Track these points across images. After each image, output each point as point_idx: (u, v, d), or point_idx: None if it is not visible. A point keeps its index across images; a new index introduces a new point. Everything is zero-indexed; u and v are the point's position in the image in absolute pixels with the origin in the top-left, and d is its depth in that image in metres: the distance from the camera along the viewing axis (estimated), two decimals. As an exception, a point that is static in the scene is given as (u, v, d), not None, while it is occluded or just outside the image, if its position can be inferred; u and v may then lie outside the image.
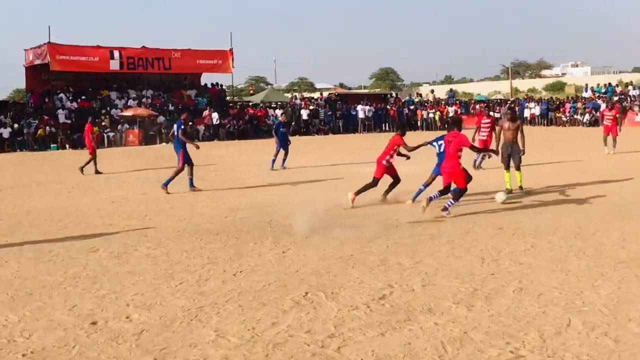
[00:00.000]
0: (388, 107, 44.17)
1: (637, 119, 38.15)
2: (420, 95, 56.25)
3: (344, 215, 11.69)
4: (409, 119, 43.08)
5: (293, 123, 38.48)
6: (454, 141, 11.54)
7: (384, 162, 13.09)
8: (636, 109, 39.43)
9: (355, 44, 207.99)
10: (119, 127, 37.69)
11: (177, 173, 15.37)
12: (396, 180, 13.21)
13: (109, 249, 9.33)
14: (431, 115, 42.67)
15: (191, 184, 15.48)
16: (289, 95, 61.43)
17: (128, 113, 38.35)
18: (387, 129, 42.72)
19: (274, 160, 20.45)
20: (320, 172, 18.88)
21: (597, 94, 44.98)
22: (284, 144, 20.47)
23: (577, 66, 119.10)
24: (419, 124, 42.48)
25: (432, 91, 55.60)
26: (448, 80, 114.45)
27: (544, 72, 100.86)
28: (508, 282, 7.12)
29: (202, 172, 15.99)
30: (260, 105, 46.79)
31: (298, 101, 46.80)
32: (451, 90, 56.00)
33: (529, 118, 42.77)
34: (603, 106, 37.52)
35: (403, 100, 49.19)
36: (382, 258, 8.40)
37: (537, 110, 42.95)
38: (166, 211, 12.74)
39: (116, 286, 7.37)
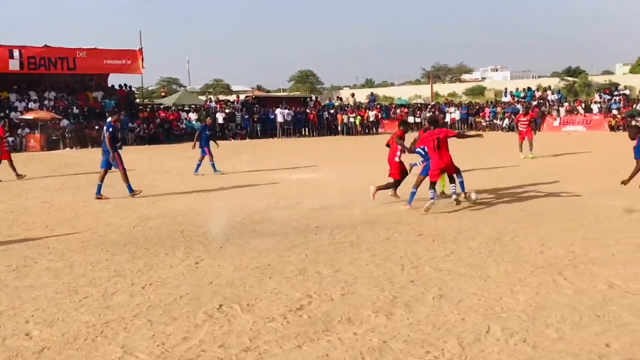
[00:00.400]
0: (308, 110, 44.37)
1: (555, 123, 39.69)
2: (341, 99, 56.82)
3: (261, 223, 11.65)
4: (329, 123, 43.44)
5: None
6: (441, 135, 12.55)
7: (396, 159, 13.79)
8: (554, 113, 41.06)
9: (273, 45, 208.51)
10: (19, 131, 36.31)
11: (126, 175, 15.19)
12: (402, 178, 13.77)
13: (7, 262, 8.97)
14: (352, 119, 43.14)
15: (98, 192, 15.15)
16: (203, 97, 60.81)
17: (29, 116, 36.96)
18: (306, 133, 42.94)
19: (198, 165, 20.37)
20: (236, 179, 18.77)
21: (516, 99, 46.60)
22: (208, 148, 20.45)
23: (496, 70, 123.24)
24: (339, 129, 42.85)
25: (353, 95, 56.24)
26: (369, 84, 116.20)
27: (464, 76, 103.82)
28: (428, 289, 7.26)
29: (108, 179, 15.58)
30: (173, 108, 46.13)
31: (213, 104, 46.41)
32: (372, 94, 56.77)
33: (449, 123, 43.85)
34: (522, 111, 38.95)
35: (323, 104, 49.55)
36: (300, 267, 8.42)
37: (457, 115, 44.14)
38: (69, 221, 12.36)
39: (15, 301, 7.09)
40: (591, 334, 5.80)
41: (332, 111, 44.90)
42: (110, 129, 15.03)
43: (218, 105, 45.07)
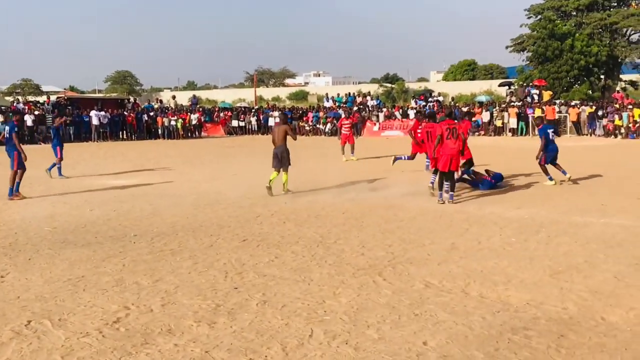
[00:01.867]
0: (126, 113, 42.97)
1: (375, 128, 41.39)
2: (161, 101, 55.64)
3: (74, 232, 11.10)
4: (149, 126, 42.36)
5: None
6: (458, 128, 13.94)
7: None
8: (374, 118, 42.79)
9: (87, 44, 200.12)
10: None
11: (15, 176, 15.39)
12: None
13: None
14: (173, 122, 42.37)
15: (11, 191, 15.24)
16: (10, 98, 56.98)
17: None
18: (124, 136, 41.59)
19: (59, 167, 19.90)
20: (47, 186, 17.74)
21: (338, 104, 48.09)
22: (61, 148, 20.09)
23: (319, 76, 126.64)
24: (160, 132, 41.91)
25: (174, 97, 55.24)
26: (191, 86, 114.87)
27: (288, 80, 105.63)
28: (252, 296, 7.28)
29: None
30: (-26, 109, 42.78)
31: (21, 105, 43.64)
32: (194, 96, 56.13)
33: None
34: (343, 116, 40.23)
35: (142, 106, 48.24)
36: (117, 278, 8.12)
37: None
38: None
39: None
40: (409, 332, 6.09)
41: (152, 114, 43.83)
42: (15, 129, 15.65)
43: (27, 107, 42.43)
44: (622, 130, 33.05)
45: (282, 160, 15.27)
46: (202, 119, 45.29)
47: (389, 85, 74.79)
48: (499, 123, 37.41)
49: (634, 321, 6.37)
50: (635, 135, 32.32)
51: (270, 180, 15.13)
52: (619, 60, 45.75)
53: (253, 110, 47.69)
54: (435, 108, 42.48)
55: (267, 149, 30.37)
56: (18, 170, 15.39)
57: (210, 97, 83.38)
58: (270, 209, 13.23)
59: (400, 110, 43.71)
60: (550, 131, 16.30)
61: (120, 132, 41.98)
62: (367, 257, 9.14)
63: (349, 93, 51.21)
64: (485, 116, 38.08)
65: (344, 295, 7.28)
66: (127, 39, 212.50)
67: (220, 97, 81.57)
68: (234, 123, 45.45)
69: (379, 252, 9.41)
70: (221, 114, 47.30)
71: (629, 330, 6.12)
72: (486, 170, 15.79)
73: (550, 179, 16.07)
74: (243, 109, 49.43)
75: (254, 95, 67.59)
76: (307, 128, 44.02)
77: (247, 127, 45.33)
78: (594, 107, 35.44)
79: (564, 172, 16.16)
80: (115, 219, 12.34)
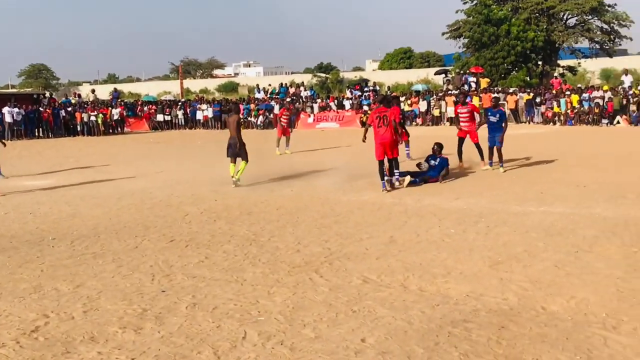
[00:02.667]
0: (41, 109, 41.89)
1: (309, 120, 41.46)
2: (80, 95, 54.45)
3: (-14, 237, 10.79)
4: (67, 123, 41.41)
5: None
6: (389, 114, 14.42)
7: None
8: (308, 110, 42.87)
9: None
10: None
11: None
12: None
13: None
14: (93, 118, 41.51)
15: None
16: None
17: None
18: (41, 134, 40.55)
19: None
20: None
21: (269, 95, 47.99)
22: None
23: (249, 66, 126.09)
24: (79, 128, 41.02)
25: (93, 91, 54.20)
26: (112, 79, 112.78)
27: (216, 71, 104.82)
28: (181, 298, 7.22)
29: None
30: None
31: None
32: (115, 90, 55.17)
33: (202, 121, 43.97)
34: (277, 108, 40.14)
35: (59, 101, 47.12)
36: (35, 284, 7.94)
37: (209, 112, 44.38)
38: None
39: None
40: (347, 330, 6.14)
41: (69, 109, 42.86)
42: None
43: None
44: (561, 118, 34.01)
45: (239, 149, 15.73)
46: (125, 114, 44.54)
47: (323, 75, 75.01)
48: (436, 112, 37.97)
49: (574, 310, 6.58)
50: (573, 121, 33.31)
51: (232, 175, 15.63)
52: (557, 46, 46.86)
53: (179, 104, 47.14)
54: (372, 98, 42.84)
55: (195, 144, 30.23)
56: None
57: (133, 91, 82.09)
58: (200, 207, 13.13)
59: (336, 101, 43.89)
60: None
61: (36, 130, 40.91)
62: (303, 253, 9.17)
63: (282, 84, 51.17)
64: (422, 105, 38.62)
65: (278, 295, 7.29)
66: (42, 30, 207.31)
67: (143, 90, 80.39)
68: (159, 117, 44.83)
69: (315, 248, 9.46)
70: (145, 108, 46.61)
71: (570, 320, 6.32)
72: (417, 165, 16.04)
73: (491, 164, 16.79)
74: (169, 102, 48.81)
75: (180, 87, 66.78)
76: (238, 121, 43.79)
77: (173, 121, 44.80)
78: (531, 94, 36.33)
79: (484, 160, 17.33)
80: (32, 222, 12.04)
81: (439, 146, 16.19)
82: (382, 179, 14.36)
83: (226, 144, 15.92)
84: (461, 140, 17.67)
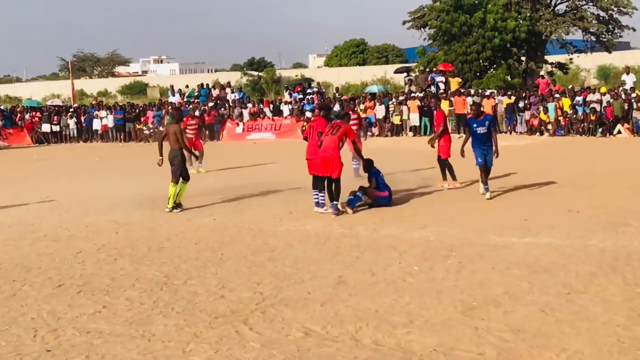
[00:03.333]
0: None
1: (238, 130, 41.31)
2: (-59, 99, 53.59)
3: None
4: None
5: None
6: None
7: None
8: (236, 117, 42.74)
9: None
10: None
11: None
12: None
13: None
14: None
15: None
16: None
17: None
18: None
19: None
20: None
21: (187, 99, 47.74)
22: None
23: (161, 62, 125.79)
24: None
25: (-40, 94, 53.34)
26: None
27: (119, 69, 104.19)
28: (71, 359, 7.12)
29: None
30: None
31: None
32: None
33: (100, 131, 43.54)
34: (197, 114, 39.93)
35: None
36: None
37: (110, 121, 43.96)
38: None
39: None
40: (284, 396, 6.13)
41: None
42: None
43: None
44: (549, 127, 34.54)
45: (172, 166, 16.09)
46: (0, 123, 43.85)
47: (255, 73, 75.26)
48: (396, 120, 38.21)
49: (566, 365, 6.69)
50: (563, 131, 33.84)
51: (170, 197, 15.90)
52: (543, 38, 47.62)
53: (71, 110, 46.60)
54: (315, 102, 43.03)
55: (92, 161, 29.86)
56: None
57: (11, 94, 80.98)
58: (96, 241, 13.00)
59: (271, 106, 43.90)
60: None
61: None
62: (229, 300, 9.13)
63: (202, 84, 51.02)
64: (379, 111, 38.89)
65: (197, 353, 7.25)
66: None
67: (25, 92, 79.39)
68: (45, 127, 44.25)
69: (244, 293, 9.44)
70: (27, 116, 45.96)
71: (559, 378, 6.42)
72: (360, 187, 16.11)
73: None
74: (57, 108, 48.22)
75: (72, 89, 66.06)
76: (147, 132, 43.45)
77: (63, 132, 44.27)
78: (513, 98, 36.83)
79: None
80: None
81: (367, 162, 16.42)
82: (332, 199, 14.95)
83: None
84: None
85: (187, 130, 24.84)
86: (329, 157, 14.63)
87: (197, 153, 22.91)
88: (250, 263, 11.08)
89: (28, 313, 8.83)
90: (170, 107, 39.60)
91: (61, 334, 8.00)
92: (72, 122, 44.37)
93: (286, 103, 44.21)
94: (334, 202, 14.91)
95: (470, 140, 16.59)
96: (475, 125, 16.59)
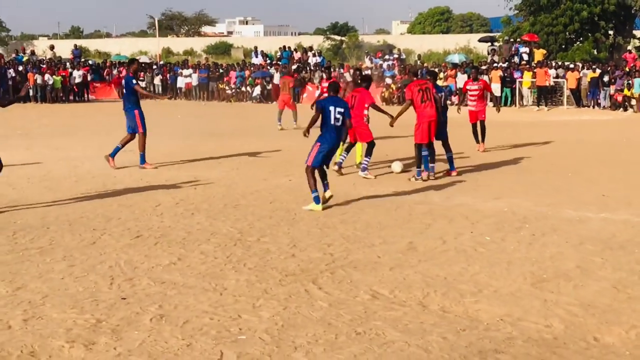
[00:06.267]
0: (-14, 66, 42.04)
1: (317, 94, 41.30)
2: (34, 52, 54.63)
3: None
4: (16, 85, 41.50)
5: None
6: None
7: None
8: (316, 81, 42.75)
9: None
10: None
11: (128, 141, 16.68)
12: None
13: None
14: (49, 80, 41.61)
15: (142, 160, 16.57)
16: None
17: None
18: (-17, 98, 40.79)
19: None
20: None
21: (269, 60, 47.95)
22: None
23: (246, 23, 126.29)
24: (31, 92, 41.12)
25: (52, 47, 54.27)
26: (76, 33, 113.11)
27: (205, 29, 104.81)
28: (145, 309, 7.27)
29: None
30: None
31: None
32: (76, 47, 55.21)
33: (183, 89, 44.03)
34: (277, 77, 40.10)
35: (8, 59, 47.27)
36: (-36, 285, 8.02)
37: (194, 79, 44.42)
38: None
39: None
40: (348, 356, 6.17)
41: (20, 68, 43.00)
42: (134, 81, 16.96)
43: None
44: (633, 102, 33.81)
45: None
46: (89, 77, 44.63)
47: (337, 37, 74.96)
48: (477, 89, 37.87)
49: (635, 342, 6.58)
50: (648, 108, 33.09)
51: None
52: (633, 12, 46.58)
53: (156, 67, 47.19)
54: (397, 69, 42.78)
55: (174, 118, 30.21)
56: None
57: (101, 49, 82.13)
58: (175, 196, 13.18)
59: (351, 71, 43.80)
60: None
61: (-21, 91, 41.08)
62: (299, 259, 9.20)
63: (285, 47, 51.11)
64: (460, 80, 38.49)
65: (266, 309, 7.31)
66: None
67: (114, 48, 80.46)
68: (133, 83, 44.89)
69: (315, 253, 9.49)
70: (114, 71, 46.67)
71: (628, 355, 6.33)
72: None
73: None
74: (144, 64, 48.84)
75: (159, 47, 66.96)
76: (229, 91, 43.80)
77: (148, 88, 44.85)
78: (598, 72, 36.13)
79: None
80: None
81: None
82: (419, 165, 14.87)
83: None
84: (474, 126, 19.28)
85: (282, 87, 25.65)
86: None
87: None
88: (321, 224, 11.12)
89: (106, 261, 9.01)
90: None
91: (136, 283, 8.16)
92: (157, 79, 44.94)
93: (367, 69, 44.05)
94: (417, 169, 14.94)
95: None
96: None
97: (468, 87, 19.62)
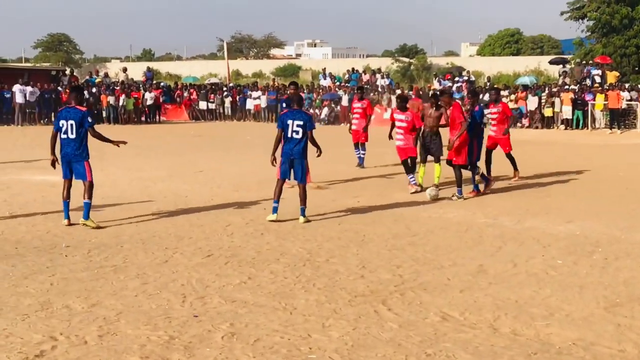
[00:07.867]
0: (60, 89, 42.99)
1: (385, 115, 41.35)
2: (107, 74, 55.78)
3: (-13, 241, 11.19)
4: (90, 107, 42.36)
5: None
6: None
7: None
8: (385, 103, 42.81)
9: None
10: None
11: None
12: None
13: None
14: (122, 102, 42.37)
15: None
16: None
17: None
18: (58, 119, 41.63)
19: None
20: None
21: (337, 83, 48.16)
22: None
23: (314, 46, 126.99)
24: (104, 114, 41.92)
25: (125, 70, 55.30)
26: (147, 56, 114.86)
27: (274, 51, 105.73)
28: (216, 326, 7.36)
29: None
30: None
31: None
32: (149, 69, 56.17)
33: (252, 111, 44.45)
34: (345, 99, 40.25)
35: (82, 80, 48.26)
36: (43, 300, 8.19)
37: (263, 101, 44.81)
38: None
39: None
40: (418, 376, 6.18)
41: (94, 90, 43.88)
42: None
43: None
44: None
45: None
46: (161, 99, 45.32)
47: (406, 60, 74.95)
48: (548, 112, 37.45)
49: None
50: None
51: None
52: None
53: (226, 89, 47.71)
54: (465, 92, 42.57)
55: (244, 139, 30.52)
56: None
57: (172, 71, 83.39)
58: (245, 216, 13.32)
59: (420, 93, 43.78)
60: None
61: (52, 113, 41.97)
62: (368, 280, 9.23)
63: (353, 69, 51.26)
64: (531, 103, 38.19)
65: (335, 329, 7.36)
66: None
67: (184, 71, 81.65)
68: (202, 105, 45.49)
69: (384, 274, 9.51)
70: (185, 93, 47.31)
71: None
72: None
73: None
74: (214, 86, 49.42)
75: (228, 69, 67.72)
76: (298, 113, 44.04)
77: (218, 110, 45.37)
78: (671, 94, 35.58)
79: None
80: (42, 225, 12.40)
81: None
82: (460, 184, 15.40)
83: None
84: (489, 152, 17.66)
85: (353, 117, 23.14)
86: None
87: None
88: (391, 246, 11.14)
89: (178, 279, 9.14)
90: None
91: (208, 301, 8.26)
92: (227, 101, 45.45)
93: (435, 90, 43.99)
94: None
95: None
96: None
97: (487, 110, 18.94)
